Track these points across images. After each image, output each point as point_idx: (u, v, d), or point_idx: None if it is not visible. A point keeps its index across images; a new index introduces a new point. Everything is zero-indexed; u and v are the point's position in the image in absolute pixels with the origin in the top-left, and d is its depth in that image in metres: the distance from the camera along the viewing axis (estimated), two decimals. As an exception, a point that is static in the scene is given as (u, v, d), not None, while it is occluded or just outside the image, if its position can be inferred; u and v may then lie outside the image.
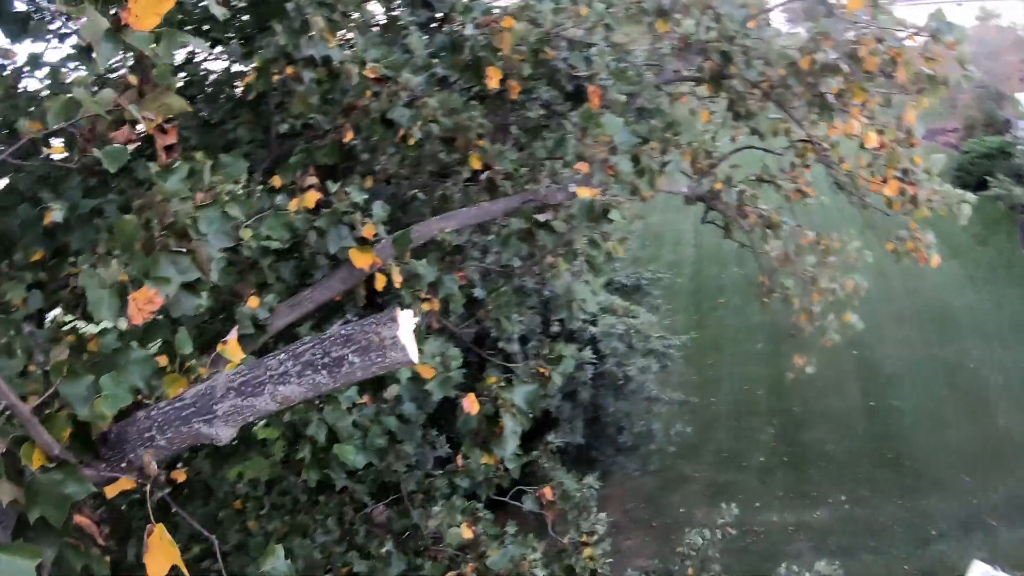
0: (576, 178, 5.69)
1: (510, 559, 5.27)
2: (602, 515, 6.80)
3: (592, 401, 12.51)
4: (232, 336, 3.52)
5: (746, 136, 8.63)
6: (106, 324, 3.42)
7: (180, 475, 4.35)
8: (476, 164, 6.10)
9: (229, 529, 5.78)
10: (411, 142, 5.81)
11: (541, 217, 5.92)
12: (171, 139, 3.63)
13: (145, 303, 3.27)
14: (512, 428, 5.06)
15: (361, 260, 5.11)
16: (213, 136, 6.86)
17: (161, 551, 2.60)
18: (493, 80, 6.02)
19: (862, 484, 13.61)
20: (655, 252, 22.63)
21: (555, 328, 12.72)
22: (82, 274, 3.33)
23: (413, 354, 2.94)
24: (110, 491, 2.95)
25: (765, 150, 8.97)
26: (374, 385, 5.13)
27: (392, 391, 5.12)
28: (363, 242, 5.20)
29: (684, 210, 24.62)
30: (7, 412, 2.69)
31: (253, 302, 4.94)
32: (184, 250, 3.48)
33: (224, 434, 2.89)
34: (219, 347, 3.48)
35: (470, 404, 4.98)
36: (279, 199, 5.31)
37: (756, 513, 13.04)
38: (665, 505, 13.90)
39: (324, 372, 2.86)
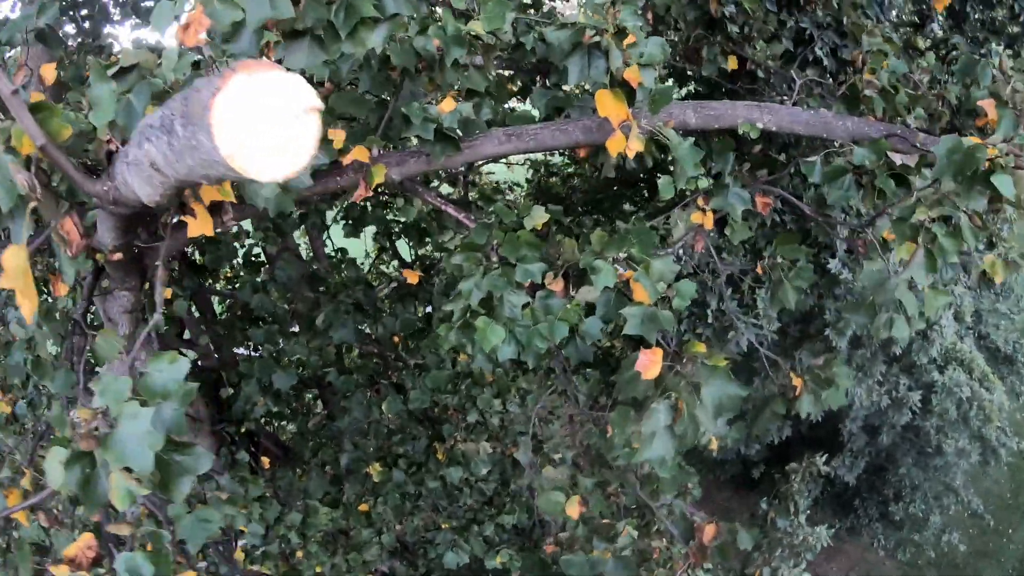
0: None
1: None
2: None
3: (889, 450, 11.28)
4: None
5: None
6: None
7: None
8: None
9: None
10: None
11: (897, 159, 3.81)
12: None
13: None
14: (670, 429, 3.36)
15: (612, 108, 3.46)
16: None
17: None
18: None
19: None
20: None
21: (896, 348, 11.50)
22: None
23: (251, 158, 1.73)
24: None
25: None
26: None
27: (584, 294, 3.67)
28: (622, 86, 3.55)
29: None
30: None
31: (448, 104, 3.68)
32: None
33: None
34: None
35: (648, 362, 3.38)
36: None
37: None
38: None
39: (164, 140, 2.01)
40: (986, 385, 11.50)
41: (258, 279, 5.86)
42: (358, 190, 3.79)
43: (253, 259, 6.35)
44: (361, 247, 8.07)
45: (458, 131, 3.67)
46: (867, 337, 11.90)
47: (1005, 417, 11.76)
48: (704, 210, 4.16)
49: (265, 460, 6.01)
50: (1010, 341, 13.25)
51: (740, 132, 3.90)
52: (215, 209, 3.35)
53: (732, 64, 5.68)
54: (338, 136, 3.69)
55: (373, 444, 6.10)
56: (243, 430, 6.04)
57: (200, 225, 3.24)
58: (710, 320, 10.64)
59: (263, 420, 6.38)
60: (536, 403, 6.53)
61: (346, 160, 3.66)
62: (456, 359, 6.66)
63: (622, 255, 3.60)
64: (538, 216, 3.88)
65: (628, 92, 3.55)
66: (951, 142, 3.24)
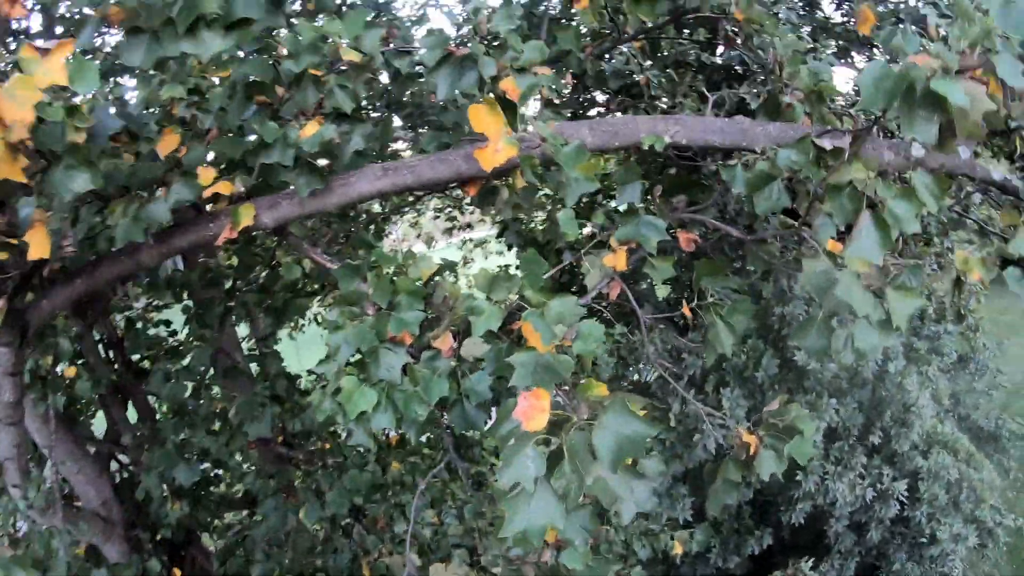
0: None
1: None
2: None
3: (879, 546, 10.53)
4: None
5: None
6: None
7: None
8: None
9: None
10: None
11: (826, 143, 3.25)
12: None
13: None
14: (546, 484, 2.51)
15: (486, 121, 3.03)
16: None
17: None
18: None
19: None
20: (1026, 406, 19.00)
21: (875, 437, 10.94)
22: None
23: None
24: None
25: None
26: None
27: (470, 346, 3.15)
28: (504, 105, 3.10)
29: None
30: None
31: (310, 128, 3.23)
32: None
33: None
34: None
35: (531, 409, 2.56)
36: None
37: None
38: None
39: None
40: (973, 465, 10.91)
41: (171, 367, 5.32)
42: (223, 233, 3.34)
43: (178, 347, 5.88)
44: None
45: (322, 161, 3.24)
46: (844, 428, 11.37)
47: (997, 496, 11.10)
48: (614, 250, 3.64)
49: (177, 572, 5.30)
50: (992, 419, 12.75)
51: (644, 147, 3.48)
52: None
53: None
54: (206, 173, 3.30)
55: (290, 555, 5.36)
56: (159, 537, 5.36)
57: (38, 248, 2.88)
58: (673, 424, 10.12)
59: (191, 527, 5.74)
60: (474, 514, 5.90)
61: (207, 192, 3.29)
62: (386, 462, 6.05)
63: (512, 296, 3.09)
64: (425, 265, 3.40)
65: (508, 107, 3.15)
66: (877, 68, 2.64)
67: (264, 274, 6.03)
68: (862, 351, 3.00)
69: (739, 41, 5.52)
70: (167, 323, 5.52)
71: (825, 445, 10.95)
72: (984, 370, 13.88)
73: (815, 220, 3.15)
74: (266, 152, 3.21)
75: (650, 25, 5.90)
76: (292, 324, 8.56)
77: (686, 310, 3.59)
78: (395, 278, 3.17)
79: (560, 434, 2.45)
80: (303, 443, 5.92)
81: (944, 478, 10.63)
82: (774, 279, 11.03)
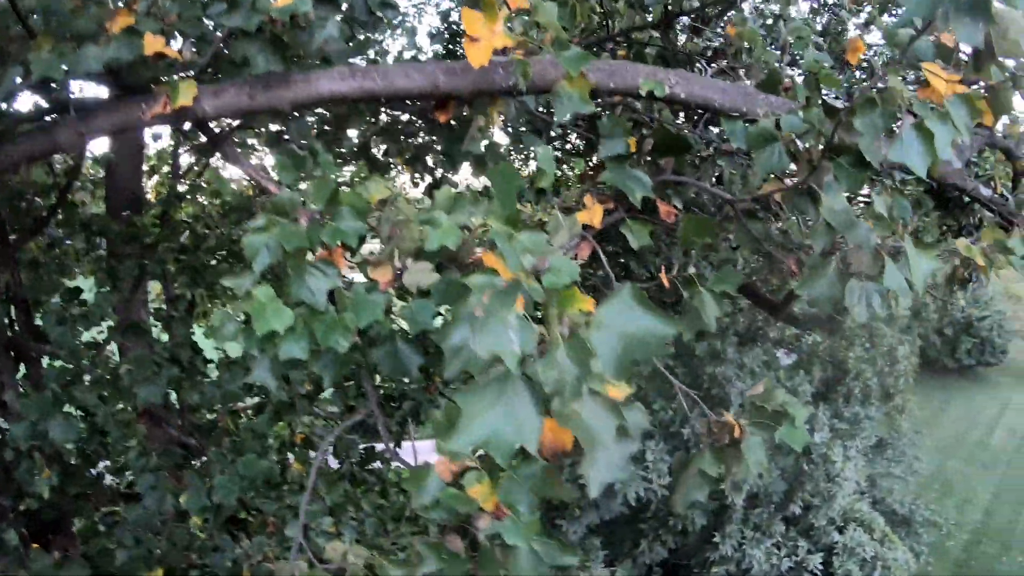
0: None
1: None
2: None
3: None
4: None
5: None
6: None
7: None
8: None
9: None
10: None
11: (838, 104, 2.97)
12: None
13: None
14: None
15: (478, 24, 2.64)
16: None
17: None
18: None
19: None
20: (938, 500, 19.09)
21: (796, 507, 10.66)
22: None
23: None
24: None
25: None
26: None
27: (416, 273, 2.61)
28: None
29: (989, 466, 21.31)
30: None
31: None
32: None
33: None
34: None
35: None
36: None
37: None
38: None
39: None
40: (888, 545, 10.68)
41: (66, 309, 4.58)
42: (155, 107, 2.78)
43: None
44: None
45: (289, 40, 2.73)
46: (765, 495, 11.07)
47: (910, 577, 10.89)
48: (588, 206, 3.17)
49: (35, 546, 4.49)
50: (905, 503, 12.62)
51: (643, 92, 3.05)
52: None
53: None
54: (153, 41, 2.76)
55: (164, 546, 4.60)
56: (23, 508, 4.58)
57: None
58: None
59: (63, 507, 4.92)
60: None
61: (149, 50, 2.75)
62: (286, 457, 5.39)
63: (475, 220, 2.58)
64: (376, 188, 2.88)
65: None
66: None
67: (185, 234, 5.42)
68: (880, 305, 2.58)
69: (729, 55, 5.29)
70: (77, 290, 4.84)
71: (745, 509, 10.62)
72: (901, 456, 13.86)
73: (823, 179, 2.76)
74: (230, 14, 2.69)
75: (638, 26, 5.64)
76: (206, 304, 7.80)
77: (664, 278, 3.13)
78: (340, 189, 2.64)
79: (548, 327, 1.78)
80: (200, 420, 5.23)
81: (859, 555, 10.42)
82: (708, 339, 10.83)
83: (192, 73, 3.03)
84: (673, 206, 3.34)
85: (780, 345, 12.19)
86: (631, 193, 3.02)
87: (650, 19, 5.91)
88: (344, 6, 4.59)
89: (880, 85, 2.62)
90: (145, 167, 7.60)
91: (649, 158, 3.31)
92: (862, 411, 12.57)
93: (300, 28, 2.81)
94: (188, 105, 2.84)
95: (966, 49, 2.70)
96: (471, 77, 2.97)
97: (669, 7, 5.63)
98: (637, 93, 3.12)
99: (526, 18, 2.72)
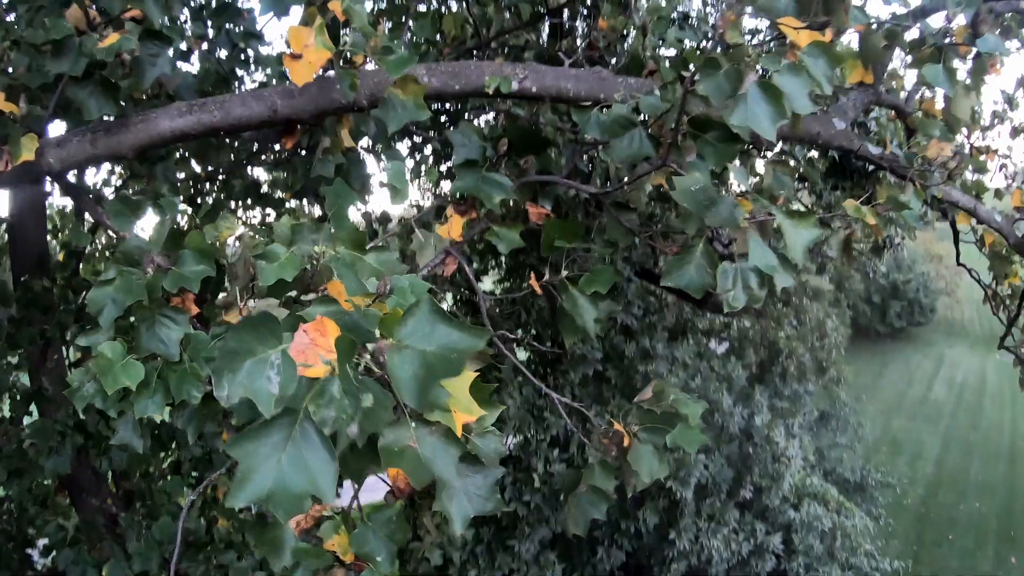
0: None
1: None
2: None
3: (764, 605, 10.16)
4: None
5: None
6: None
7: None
8: None
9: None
10: None
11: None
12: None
13: None
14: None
15: (302, 39, 2.47)
16: None
17: None
18: None
19: None
20: (889, 460, 19.41)
21: (746, 491, 10.64)
22: None
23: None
24: None
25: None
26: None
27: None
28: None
29: (933, 419, 21.81)
30: None
31: (111, 38, 2.60)
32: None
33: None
34: None
35: (309, 344, 1.63)
36: None
37: None
38: None
39: None
40: (845, 514, 10.75)
41: None
42: None
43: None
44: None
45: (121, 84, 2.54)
46: (713, 484, 11.03)
47: (871, 541, 10.93)
48: (449, 217, 3.01)
49: None
50: (857, 470, 12.73)
51: (489, 91, 2.92)
52: None
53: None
54: None
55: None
56: None
57: None
58: (537, 485, 9.47)
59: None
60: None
61: None
62: (212, 518, 5.11)
63: (319, 249, 2.40)
64: (227, 224, 2.70)
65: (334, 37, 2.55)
66: None
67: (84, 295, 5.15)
68: (757, 286, 2.42)
69: (602, 47, 5.22)
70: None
71: (696, 501, 10.56)
72: (845, 425, 14.01)
73: (686, 157, 2.63)
74: (56, 60, 2.50)
75: (511, 28, 5.55)
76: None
77: (534, 283, 2.98)
78: (185, 232, 2.46)
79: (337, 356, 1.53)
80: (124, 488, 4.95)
81: (817, 528, 10.47)
82: (636, 338, 10.76)
83: (34, 126, 2.84)
84: (542, 206, 3.20)
85: (710, 335, 12.19)
86: (488, 199, 2.89)
87: (521, 20, 5.83)
88: (204, 45, 4.43)
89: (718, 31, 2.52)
90: (49, 225, 7.25)
91: (508, 159, 3.17)
92: (800, 388, 12.66)
93: (126, 67, 2.62)
94: (31, 159, 2.64)
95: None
96: (308, 98, 2.83)
97: (537, 7, 5.55)
98: (485, 92, 2.98)
99: (355, 28, 2.56)
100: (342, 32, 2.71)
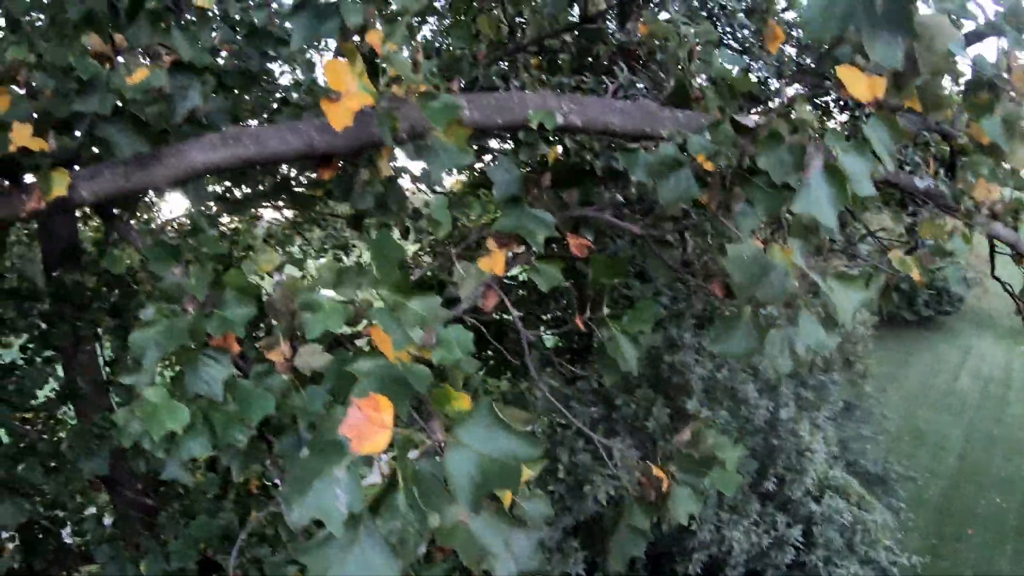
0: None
1: None
2: None
3: (781, 598, 10.24)
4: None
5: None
6: None
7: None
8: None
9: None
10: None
11: (748, 122, 2.78)
12: None
13: None
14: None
15: (340, 77, 2.50)
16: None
17: None
18: None
19: None
20: (911, 451, 19.36)
21: (770, 484, 10.70)
22: None
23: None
24: None
25: None
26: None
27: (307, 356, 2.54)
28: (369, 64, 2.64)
29: (957, 411, 21.67)
30: None
31: (139, 74, 2.64)
32: None
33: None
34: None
35: (364, 423, 1.93)
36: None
37: None
38: None
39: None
40: (865, 508, 10.79)
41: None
42: (30, 202, 2.64)
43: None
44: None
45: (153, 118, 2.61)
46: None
47: (890, 536, 10.98)
48: (491, 251, 3.05)
49: None
50: (879, 462, 12.73)
51: (532, 125, 2.96)
52: None
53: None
54: (22, 130, 2.60)
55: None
56: None
57: None
58: (561, 475, 9.57)
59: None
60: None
61: (14, 146, 2.60)
62: (247, 509, 5.24)
63: (364, 294, 2.47)
64: (265, 259, 2.77)
65: (370, 65, 2.59)
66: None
67: (116, 293, 5.26)
68: (805, 352, 2.48)
69: (642, 55, 5.20)
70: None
71: (719, 493, 10.63)
72: (869, 416, 13.99)
73: (735, 206, 2.65)
74: (84, 98, 2.55)
75: (551, 32, 5.53)
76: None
77: (579, 322, 3.04)
78: (224, 270, 2.53)
79: (397, 457, 1.68)
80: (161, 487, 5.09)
81: (838, 521, 10.51)
82: (663, 327, 10.79)
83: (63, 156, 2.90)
84: (584, 238, 3.24)
85: (738, 324, 12.19)
86: (531, 237, 2.92)
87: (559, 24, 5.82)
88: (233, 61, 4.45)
89: (782, 100, 2.53)
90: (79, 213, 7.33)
91: (552, 192, 3.21)
92: (826, 379, 12.63)
93: (157, 103, 2.67)
94: (64, 195, 2.70)
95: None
96: (348, 133, 2.86)
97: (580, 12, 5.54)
98: (528, 126, 3.02)
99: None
100: (378, 61, 2.74)
